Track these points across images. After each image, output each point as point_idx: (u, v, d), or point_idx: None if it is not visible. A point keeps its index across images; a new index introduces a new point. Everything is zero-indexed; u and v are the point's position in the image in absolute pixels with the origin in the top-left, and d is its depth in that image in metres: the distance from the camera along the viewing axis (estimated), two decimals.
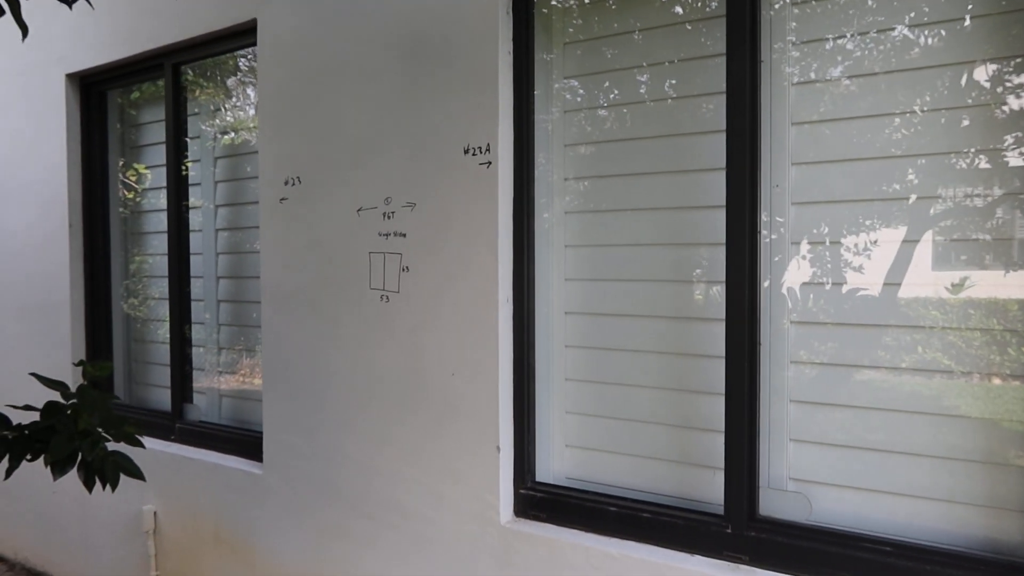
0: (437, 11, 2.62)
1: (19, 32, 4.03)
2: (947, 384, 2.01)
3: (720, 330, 2.25)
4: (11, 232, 4.32)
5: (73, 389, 1.81)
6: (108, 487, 1.73)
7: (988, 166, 1.96)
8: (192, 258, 3.75)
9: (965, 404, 1.99)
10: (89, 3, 1.96)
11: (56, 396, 1.85)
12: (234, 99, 3.66)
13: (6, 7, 1.62)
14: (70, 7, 1.69)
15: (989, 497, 1.97)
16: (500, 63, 2.50)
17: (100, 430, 1.80)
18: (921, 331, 2.04)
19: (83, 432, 1.74)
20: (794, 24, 2.20)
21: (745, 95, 2.16)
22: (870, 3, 2.10)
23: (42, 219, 4.13)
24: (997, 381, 1.96)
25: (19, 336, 4.34)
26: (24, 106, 4.20)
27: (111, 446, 1.87)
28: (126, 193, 4.11)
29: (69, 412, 1.79)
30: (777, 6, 2.21)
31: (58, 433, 1.70)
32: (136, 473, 1.80)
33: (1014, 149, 1.92)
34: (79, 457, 1.73)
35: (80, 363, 1.81)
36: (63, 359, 4.04)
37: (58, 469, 1.70)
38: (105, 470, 1.73)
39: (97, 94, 4.03)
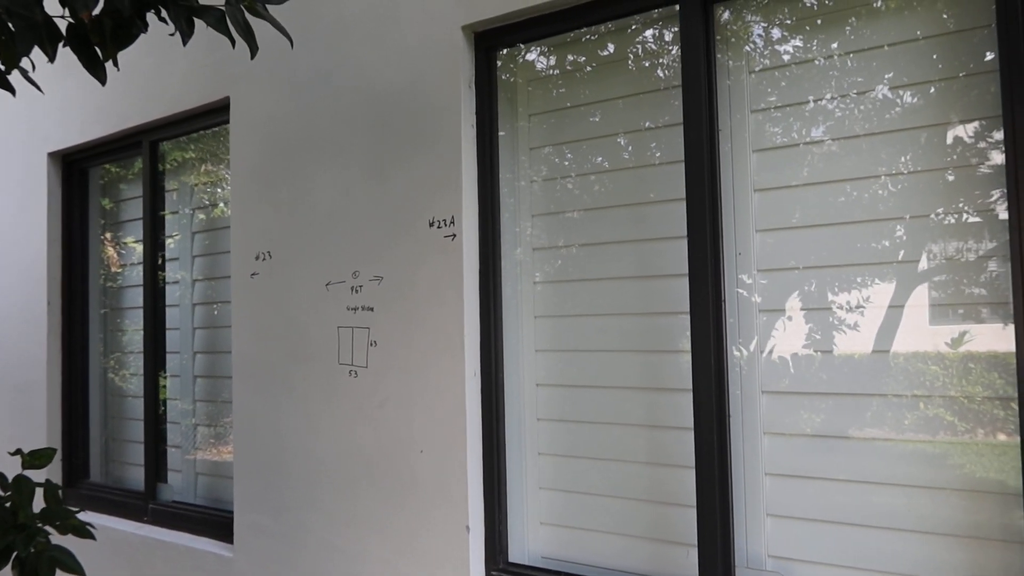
0: (402, 87, 2.64)
1: (7, 116, 4.14)
2: (952, 444, 1.93)
3: (691, 401, 2.18)
4: None
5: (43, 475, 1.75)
6: None
7: (978, 220, 1.92)
8: (169, 333, 3.72)
9: (970, 464, 1.90)
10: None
11: None
12: (210, 175, 3.68)
13: None
14: (103, 83, 1.71)
15: (989, 568, 1.87)
16: (463, 136, 2.50)
17: (40, 524, 1.73)
18: (921, 389, 1.96)
19: (19, 526, 1.67)
20: (755, 91, 2.20)
21: (703, 163, 2.15)
22: (834, 70, 2.10)
23: (23, 297, 4.11)
24: (1003, 437, 1.88)
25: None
26: (8, 185, 4.23)
27: (57, 539, 1.80)
28: (109, 267, 4.10)
29: (8, 504, 1.72)
30: (736, 75, 2.22)
31: None
32: (76, 569, 1.71)
33: (997, 204, 1.89)
34: (14, 553, 1.66)
35: (17, 452, 1.75)
36: (40, 439, 3.96)
37: None
38: (39, 567, 1.65)
39: (79, 171, 4.06)
